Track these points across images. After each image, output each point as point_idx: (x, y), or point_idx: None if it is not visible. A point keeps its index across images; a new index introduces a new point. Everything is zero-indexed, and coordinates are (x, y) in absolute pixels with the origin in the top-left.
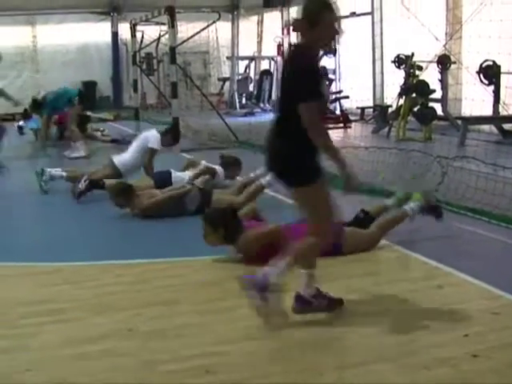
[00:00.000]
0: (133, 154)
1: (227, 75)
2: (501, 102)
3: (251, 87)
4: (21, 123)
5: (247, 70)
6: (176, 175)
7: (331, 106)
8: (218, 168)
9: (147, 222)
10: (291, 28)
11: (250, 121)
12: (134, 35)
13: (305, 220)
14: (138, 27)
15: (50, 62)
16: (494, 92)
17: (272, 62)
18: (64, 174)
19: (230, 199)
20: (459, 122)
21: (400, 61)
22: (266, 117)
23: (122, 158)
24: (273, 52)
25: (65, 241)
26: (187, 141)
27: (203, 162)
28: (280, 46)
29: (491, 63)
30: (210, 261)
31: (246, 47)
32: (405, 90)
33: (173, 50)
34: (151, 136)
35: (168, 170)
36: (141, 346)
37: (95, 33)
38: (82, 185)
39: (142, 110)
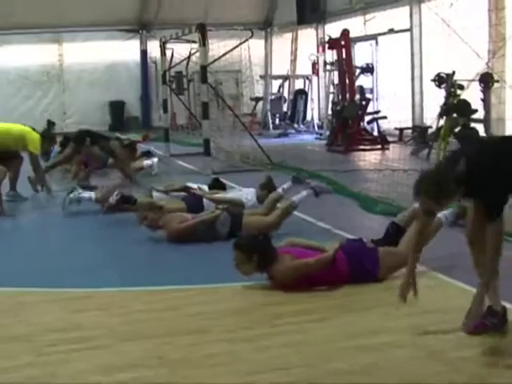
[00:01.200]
0: None
1: (260, 95)
2: None
3: (285, 107)
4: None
5: (281, 90)
6: (207, 203)
7: (368, 127)
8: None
9: (176, 247)
10: (326, 46)
11: (284, 142)
12: (163, 53)
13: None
14: (168, 45)
15: (77, 81)
16: None
17: (307, 81)
18: (93, 195)
19: (260, 221)
20: None
21: (440, 79)
22: (300, 138)
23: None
24: (307, 70)
25: (93, 266)
26: (218, 163)
27: (198, 187)
28: (315, 64)
29: None
30: (240, 287)
31: (280, 66)
32: (445, 110)
33: (204, 68)
34: None
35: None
36: (171, 374)
37: (123, 51)
38: (112, 199)
39: (171, 130)
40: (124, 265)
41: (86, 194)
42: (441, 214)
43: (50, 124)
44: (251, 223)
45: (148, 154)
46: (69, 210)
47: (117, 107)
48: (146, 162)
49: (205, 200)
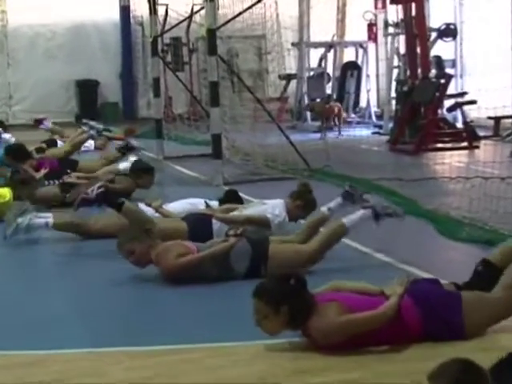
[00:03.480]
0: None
1: (293, 71)
2: None
3: (328, 88)
4: None
5: (323, 63)
6: (218, 225)
7: (449, 116)
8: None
9: (173, 289)
10: None
11: (327, 139)
12: (153, 11)
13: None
14: (160, 0)
15: (28, 50)
16: None
17: (360, 51)
18: (50, 220)
19: (294, 251)
20: None
21: None
22: (351, 133)
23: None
24: (361, 35)
25: (53, 318)
26: (233, 168)
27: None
28: (372, 26)
29: None
30: (262, 348)
31: (322, 29)
32: None
33: (212, 33)
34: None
35: (209, 214)
36: None
37: (96, 7)
38: (92, 191)
39: (166, 122)
40: (98, 315)
41: (41, 220)
42: None
43: None
44: (281, 254)
45: (127, 151)
46: (15, 240)
47: (87, 89)
48: (124, 166)
49: (214, 221)
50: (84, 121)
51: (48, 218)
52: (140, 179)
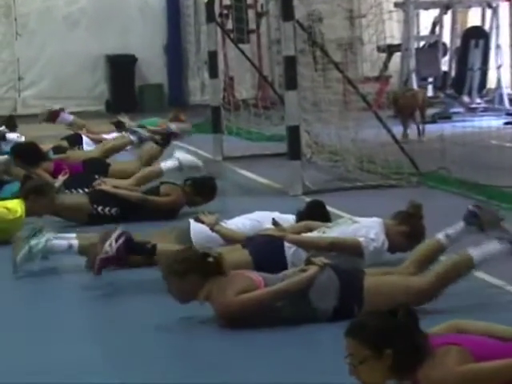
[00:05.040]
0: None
1: (396, 41)
2: None
3: (444, 63)
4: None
5: (436, 30)
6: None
7: None
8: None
9: (233, 334)
10: None
11: (443, 131)
12: None
13: None
14: None
15: (42, 17)
16: None
17: (487, 12)
18: (74, 242)
19: (400, 286)
20: None
21: None
22: (476, 123)
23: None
24: None
25: (77, 368)
26: (316, 171)
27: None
28: None
29: None
30: None
31: None
32: None
33: None
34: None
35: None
36: None
37: None
38: (111, 245)
39: (225, 111)
40: (132, 367)
41: (63, 242)
42: None
43: None
44: (382, 289)
45: (167, 142)
46: (27, 270)
47: (121, 67)
48: (168, 166)
49: (287, 245)
50: (123, 120)
51: (71, 239)
52: (195, 196)
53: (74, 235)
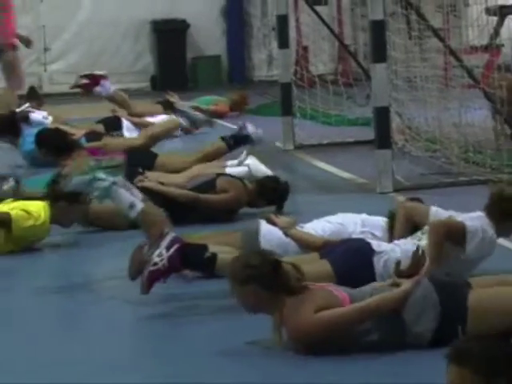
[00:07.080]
0: None
1: (510, 1)
2: None
3: None
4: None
5: None
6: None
7: None
8: None
9: (303, 361)
10: None
11: None
12: None
13: None
14: None
15: None
16: None
17: None
18: (139, 205)
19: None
20: None
21: None
22: None
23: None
24: None
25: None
26: (409, 164)
27: None
28: None
29: None
30: None
31: None
32: None
33: None
34: None
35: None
36: None
37: None
38: (161, 255)
39: (299, 89)
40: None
41: (129, 196)
42: None
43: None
44: (493, 306)
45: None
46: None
47: (169, 36)
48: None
49: (377, 253)
50: (172, 99)
51: (138, 200)
52: (259, 198)
53: (141, 196)
